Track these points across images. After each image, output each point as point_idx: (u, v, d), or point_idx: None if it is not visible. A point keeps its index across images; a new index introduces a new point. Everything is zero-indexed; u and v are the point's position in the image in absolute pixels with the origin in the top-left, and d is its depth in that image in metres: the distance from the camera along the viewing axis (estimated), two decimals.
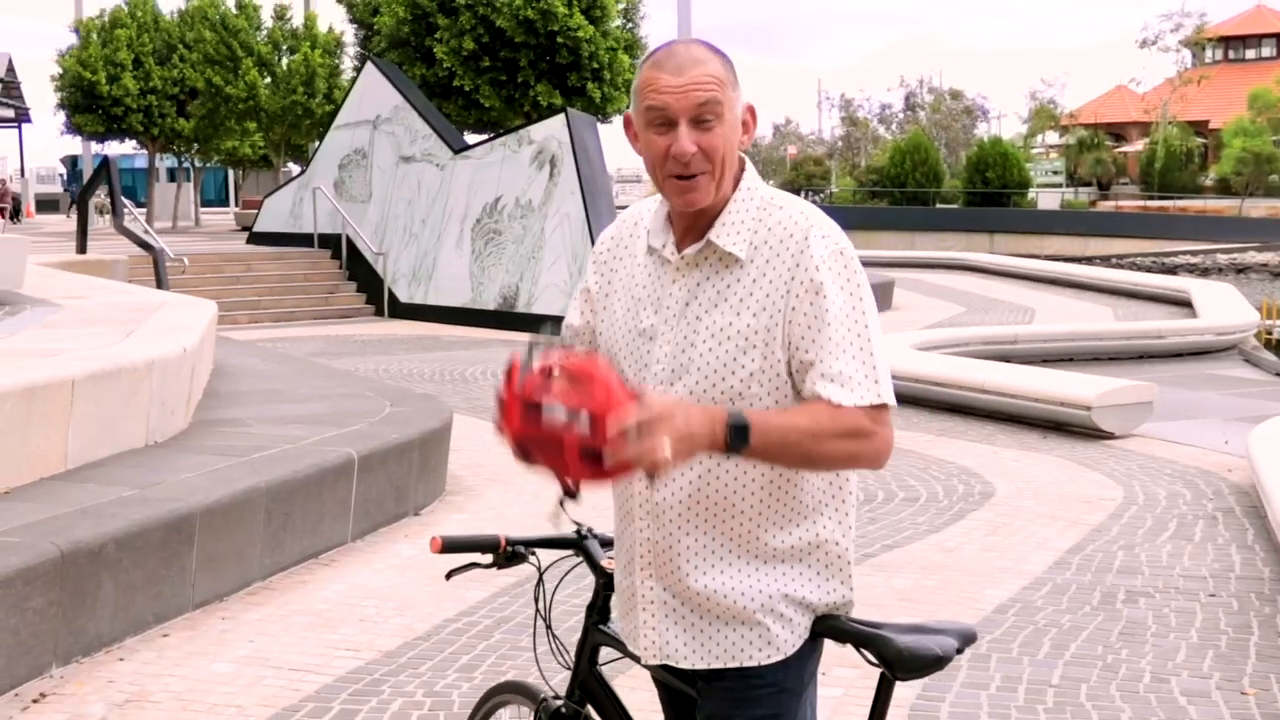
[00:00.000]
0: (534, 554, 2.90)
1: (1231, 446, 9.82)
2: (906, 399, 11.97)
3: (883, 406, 2.33)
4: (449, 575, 2.98)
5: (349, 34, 35.18)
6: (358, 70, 24.75)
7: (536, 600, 2.95)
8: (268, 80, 33.47)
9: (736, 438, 2.20)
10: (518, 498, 8.51)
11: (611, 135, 24.17)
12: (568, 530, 2.89)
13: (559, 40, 27.33)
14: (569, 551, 2.89)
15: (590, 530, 2.89)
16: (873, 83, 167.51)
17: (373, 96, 22.08)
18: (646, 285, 2.47)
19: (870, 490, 8.54)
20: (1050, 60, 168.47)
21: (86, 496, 6.23)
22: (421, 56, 28.38)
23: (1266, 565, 6.81)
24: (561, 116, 19.17)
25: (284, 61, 33.82)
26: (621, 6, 28.97)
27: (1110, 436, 10.23)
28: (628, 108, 2.49)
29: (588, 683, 2.84)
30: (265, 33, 34.24)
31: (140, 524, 5.86)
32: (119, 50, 35.21)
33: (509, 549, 2.86)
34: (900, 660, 2.37)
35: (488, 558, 2.87)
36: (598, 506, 2.61)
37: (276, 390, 9.82)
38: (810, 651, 2.46)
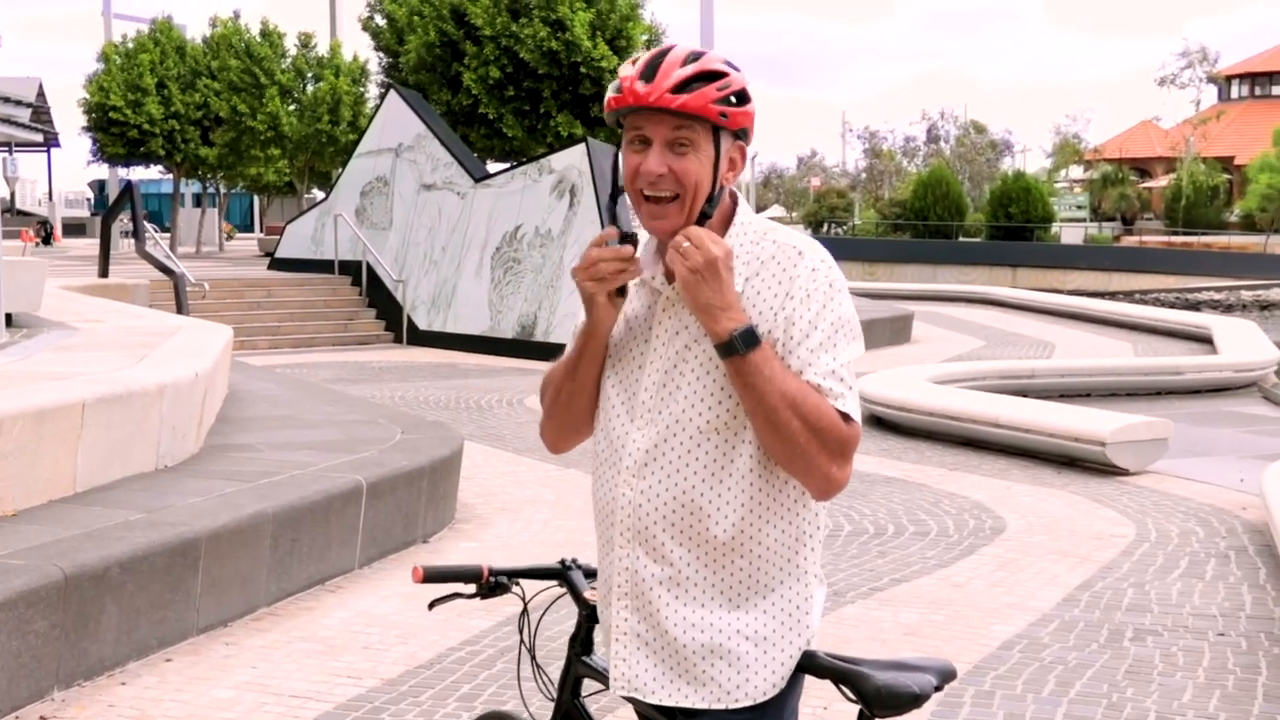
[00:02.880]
0: (518, 584, 2.88)
1: (1247, 484, 9.74)
2: (920, 433, 11.95)
3: (856, 437, 2.33)
4: (431, 605, 2.96)
5: (373, 62, 35.39)
6: (381, 98, 24.87)
7: (521, 631, 2.93)
8: (292, 108, 33.68)
9: (746, 338, 2.27)
10: (527, 526, 8.50)
11: None
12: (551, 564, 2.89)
13: (582, 71, 27.42)
14: (553, 582, 2.87)
15: (575, 561, 2.87)
16: (896, 116, 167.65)
17: (395, 124, 22.20)
18: (639, 314, 2.47)
19: (880, 524, 8.51)
20: (1073, 96, 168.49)
21: (92, 519, 6.25)
22: (447, 83, 28.51)
23: (1278, 605, 6.74)
24: (582, 146, 19.23)
25: (309, 89, 34.04)
26: (645, 38, 29.05)
27: (1125, 473, 10.16)
28: None
29: (570, 714, 2.82)
30: (290, 60, 34.46)
31: (145, 548, 5.87)
32: (143, 75, 35.49)
33: (492, 579, 2.83)
34: (879, 698, 2.36)
35: (470, 588, 2.85)
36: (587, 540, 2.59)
37: (289, 416, 9.84)
38: (790, 690, 2.43)
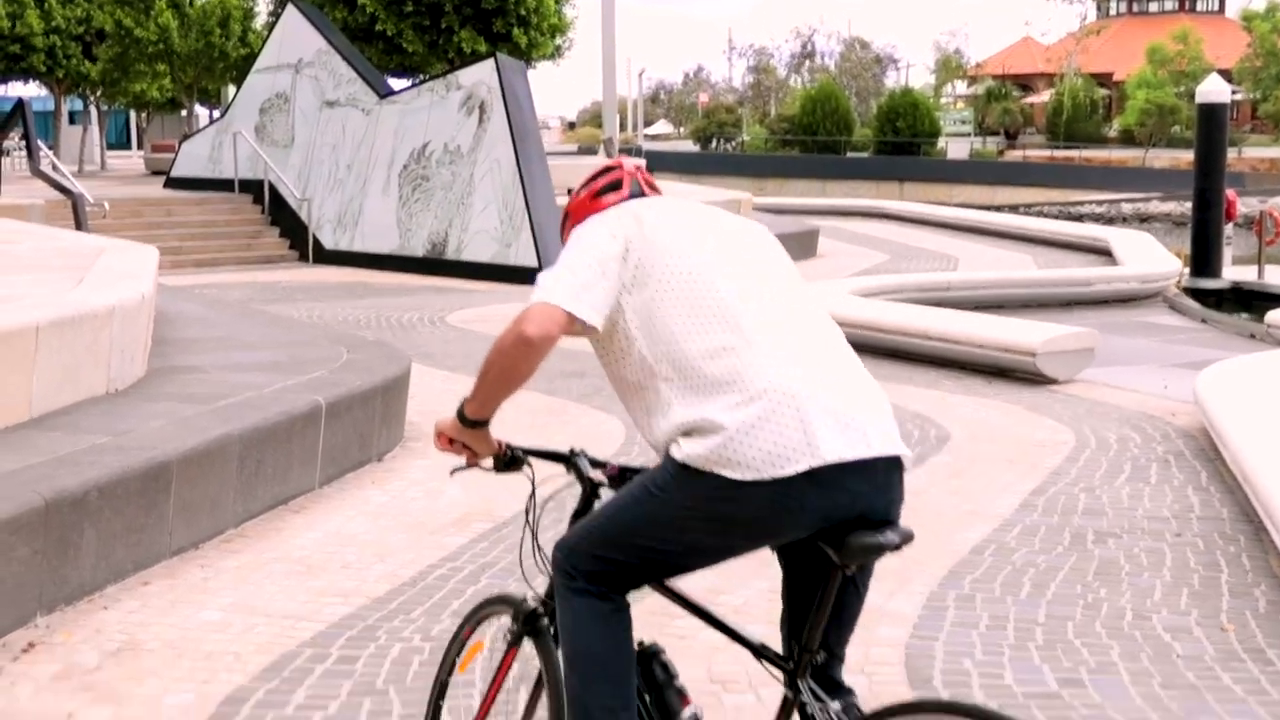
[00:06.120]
0: (529, 465, 3.18)
1: (1171, 391, 10.04)
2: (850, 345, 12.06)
3: (529, 313, 2.83)
4: (453, 472, 3.30)
5: None
6: (275, 13, 24.29)
7: (527, 511, 3.23)
8: (177, 23, 32.74)
9: (460, 409, 3.04)
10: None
11: (538, 81, 23.74)
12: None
13: None
14: (560, 465, 3.19)
15: (584, 451, 3.21)
16: (777, 31, 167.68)
17: (294, 40, 21.71)
18: None
19: None
20: (953, 10, 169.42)
21: (59, 445, 6.13)
22: (342, 0, 27.89)
23: (1224, 506, 6.99)
24: (491, 62, 18.98)
25: (197, 2, 33.09)
26: None
27: (1053, 382, 10.41)
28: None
29: None
30: None
31: (119, 472, 5.78)
32: None
33: (507, 454, 3.16)
34: (849, 550, 2.71)
35: (489, 461, 3.16)
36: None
37: (225, 337, 9.70)
38: (681, 477, 2.79)
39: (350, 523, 6.81)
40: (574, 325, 2.83)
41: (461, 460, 3.16)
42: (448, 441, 3.10)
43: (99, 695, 4.63)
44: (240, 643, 5.13)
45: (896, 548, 2.73)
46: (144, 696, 4.62)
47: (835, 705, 2.75)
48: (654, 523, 2.83)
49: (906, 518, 6.74)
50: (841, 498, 2.73)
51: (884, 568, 5.87)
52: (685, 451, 2.74)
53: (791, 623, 2.96)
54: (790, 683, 2.81)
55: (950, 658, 4.97)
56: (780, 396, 2.73)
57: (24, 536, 5.20)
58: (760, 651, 2.89)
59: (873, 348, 11.84)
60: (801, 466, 2.68)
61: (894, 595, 5.62)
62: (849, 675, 3.05)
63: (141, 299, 7.88)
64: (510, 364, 2.85)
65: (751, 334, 2.80)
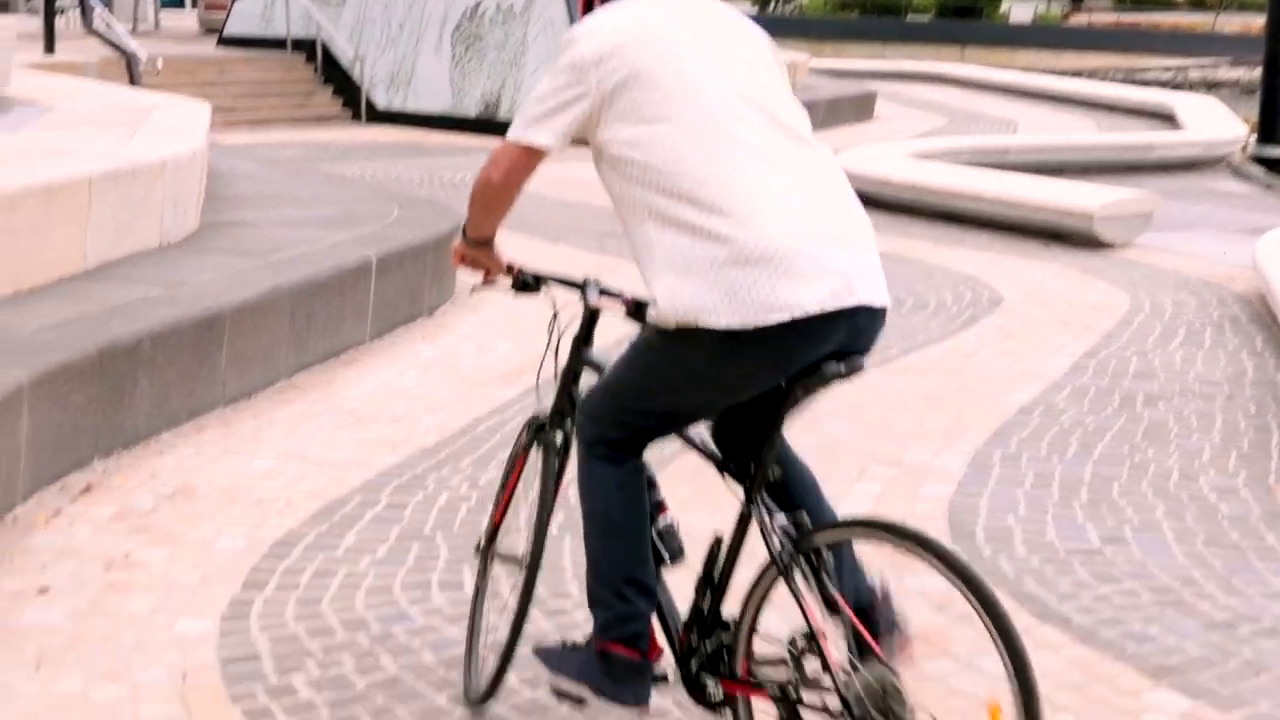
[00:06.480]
0: (548, 291, 3.29)
1: (1230, 257, 9.90)
2: (902, 208, 11.92)
3: (500, 150, 2.98)
4: (473, 290, 3.59)
5: None
6: None
7: (549, 334, 3.35)
8: None
9: (463, 228, 3.22)
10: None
11: None
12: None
13: None
14: (574, 290, 3.25)
15: (597, 280, 3.22)
16: None
17: None
18: None
19: None
20: None
21: (110, 295, 6.20)
22: None
23: (1279, 371, 6.93)
24: None
25: None
26: None
27: (1110, 246, 10.28)
28: None
29: (571, 398, 3.32)
30: None
31: (172, 322, 5.86)
32: None
33: (520, 277, 3.28)
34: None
35: (506, 281, 3.31)
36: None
37: (277, 194, 9.71)
38: (675, 341, 2.83)
39: (401, 376, 6.88)
40: (538, 155, 2.95)
41: (478, 278, 3.35)
42: (460, 257, 3.28)
43: (154, 537, 4.73)
44: (291, 489, 5.23)
45: (844, 377, 2.80)
46: (198, 539, 4.72)
47: (781, 519, 2.86)
48: (651, 389, 2.96)
49: (955, 378, 6.75)
50: (824, 345, 2.77)
51: (931, 427, 5.92)
52: (668, 315, 2.79)
53: (746, 442, 2.99)
54: (747, 497, 2.92)
55: (994, 514, 4.99)
56: (764, 249, 2.70)
57: (78, 383, 5.29)
58: (723, 466, 3.02)
59: (927, 210, 11.73)
60: (783, 317, 2.69)
61: (940, 453, 5.63)
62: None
63: (193, 153, 7.90)
64: (487, 200, 3.08)
65: (747, 179, 2.76)
